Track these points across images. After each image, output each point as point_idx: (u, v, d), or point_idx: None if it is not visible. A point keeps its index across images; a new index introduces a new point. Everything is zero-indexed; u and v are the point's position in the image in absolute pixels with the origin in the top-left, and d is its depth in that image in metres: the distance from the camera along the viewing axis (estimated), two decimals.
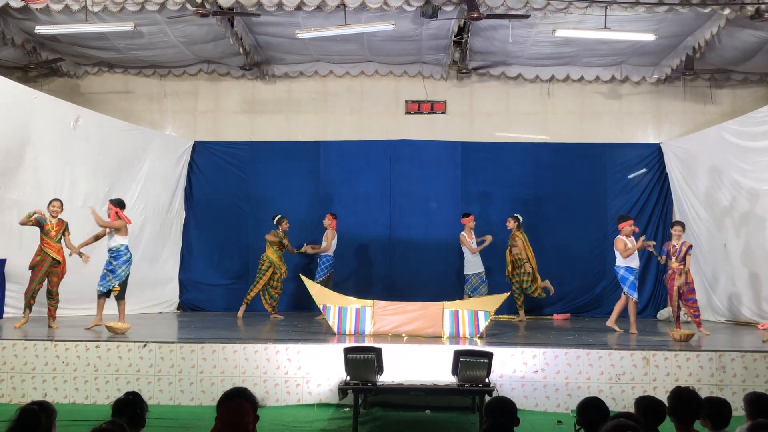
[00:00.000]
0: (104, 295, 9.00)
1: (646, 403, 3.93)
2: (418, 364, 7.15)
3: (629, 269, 9.38)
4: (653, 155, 12.99)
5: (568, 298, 12.60)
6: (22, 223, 8.91)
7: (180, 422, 6.49)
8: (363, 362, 6.36)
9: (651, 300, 12.48)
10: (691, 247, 9.42)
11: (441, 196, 13.03)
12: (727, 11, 9.66)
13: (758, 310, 10.40)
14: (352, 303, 8.69)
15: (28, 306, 8.84)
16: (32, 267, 8.85)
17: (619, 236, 9.58)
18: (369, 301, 8.74)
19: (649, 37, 10.63)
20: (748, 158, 10.59)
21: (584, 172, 12.95)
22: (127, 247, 9.03)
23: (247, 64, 12.63)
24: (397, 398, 7.12)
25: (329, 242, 11.44)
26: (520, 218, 11.39)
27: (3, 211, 9.74)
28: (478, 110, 13.35)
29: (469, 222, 11.45)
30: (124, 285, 8.98)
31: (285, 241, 11.19)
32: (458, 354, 6.55)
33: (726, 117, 12.29)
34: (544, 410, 7.12)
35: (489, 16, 9.86)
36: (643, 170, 12.98)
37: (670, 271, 9.35)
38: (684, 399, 3.93)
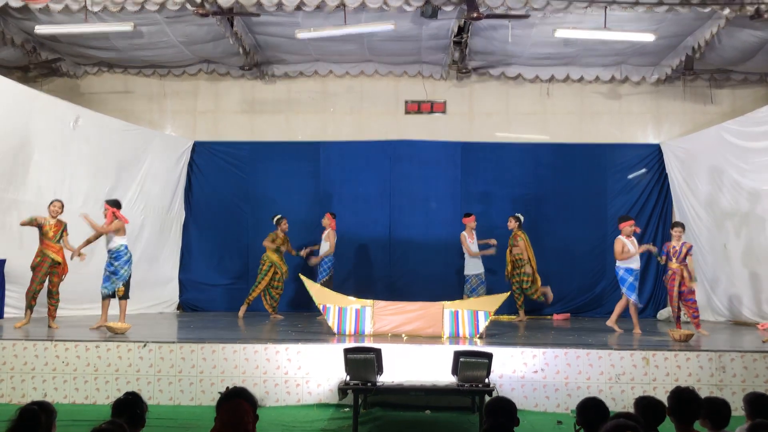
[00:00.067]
0: (109, 296, 9.01)
1: (645, 403, 3.93)
2: (418, 364, 7.15)
3: (629, 270, 9.36)
4: (653, 155, 12.99)
5: (567, 298, 12.60)
6: (23, 224, 8.91)
7: (180, 422, 6.48)
8: (363, 362, 6.36)
9: (651, 300, 12.48)
10: (691, 247, 9.43)
11: (441, 196, 13.03)
12: (726, 11, 9.66)
13: (758, 310, 10.40)
14: (352, 303, 8.69)
15: (30, 307, 8.84)
16: (33, 268, 8.85)
17: (618, 237, 9.57)
18: (369, 301, 8.74)
19: (649, 37, 10.63)
20: (748, 158, 10.59)
21: (584, 172, 12.95)
22: (126, 247, 9.04)
23: (247, 64, 12.63)
24: (396, 398, 7.11)
25: (332, 243, 11.43)
26: (521, 218, 11.38)
27: (3, 211, 9.73)
28: (477, 110, 13.35)
29: (470, 222, 11.44)
30: (127, 284, 9.00)
31: (283, 247, 11.14)
32: (458, 354, 6.55)
33: (726, 117, 12.29)
34: (544, 410, 7.12)
35: (489, 16, 9.86)
36: (643, 170, 12.98)
37: (670, 272, 9.34)
38: (684, 399, 3.93)
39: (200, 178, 13.30)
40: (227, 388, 3.88)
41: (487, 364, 6.38)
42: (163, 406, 7.03)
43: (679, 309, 9.40)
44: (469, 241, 11.36)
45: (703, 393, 5.00)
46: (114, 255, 8.94)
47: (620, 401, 7.00)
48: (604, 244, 12.46)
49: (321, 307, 8.81)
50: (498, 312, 9.25)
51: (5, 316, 9.57)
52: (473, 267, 11.34)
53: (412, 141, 13.13)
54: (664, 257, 9.42)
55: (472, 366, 6.35)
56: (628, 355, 7.26)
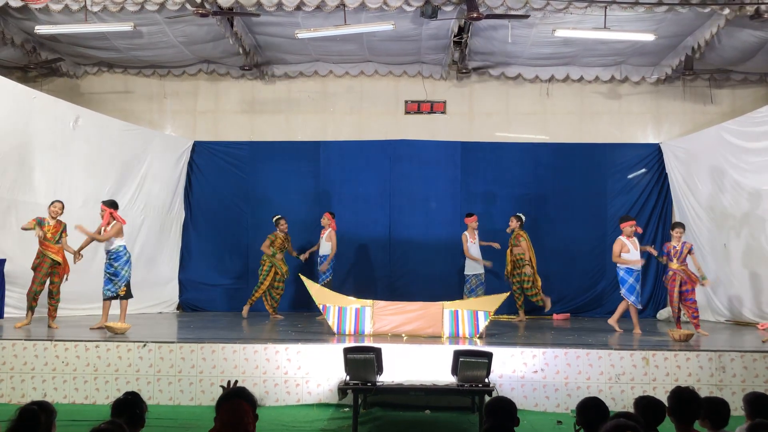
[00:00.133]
0: (112, 298, 9.00)
1: (645, 402, 3.92)
2: (417, 364, 7.15)
3: (629, 271, 9.33)
4: (653, 155, 12.99)
5: (567, 298, 12.60)
6: (24, 229, 8.88)
7: (179, 422, 6.49)
8: (363, 362, 6.36)
9: (651, 300, 12.47)
10: (692, 247, 9.43)
11: (441, 196, 13.03)
12: (726, 11, 9.67)
13: (759, 310, 10.40)
14: (352, 303, 8.69)
15: (31, 308, 8.83)
16: (33, 268, 8.85)
17: (619, 237, 9.56)
18: (369, 301, 8.74)
19: (649, 37, 10.63)
20: (747, 158, 10.59)
21: (584, 172, 12.95)
22: (125, 248, 9.04)
23: (247, 64, 12.63)
24: (396, 398, 7.12)
25: (334, 243, 11.42)
26: (523, 218, 11.36)
27: (3, 211, 9.73)
28: (477, 110, 13.35)
29: (472, 222, 11.43)
30: (128, 284, 9.00)
31: (280, 255, 11.07)
32: (458, 354, 6.55)
33: (726, 117, 12.29)
34: (544, 410, 7.12)
35: (489, 16, 9.86)
36: (643, 170, 12.99)
37: (670, 273, 9.32)
38: (684, 399, 3.93)
39: (200, 178, 13.31)
40: (228, 382, 3.89)
41: (487, 364, 6.38)
42: (162, 406, 7.03)
43: (679, 309, 9.39)
44: (471, 242, 11.35)
45: (703, 393, 5.00)
46: (113, 256, 8.94)
47: (620, 401, 7.00)
48: (603, 244, 12.45)
49: (321, 307, 8.81)
50: (498, 312, 9.25)
51: (5, 316, 9.56)
52: (473, 267, 11.33)
53: (412, 141, 13.13)
54: (664, 257, 9.41)
55: (471, 366, 6.34)
56: (628, 355, 7.26)
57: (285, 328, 9.64)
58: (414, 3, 9.87)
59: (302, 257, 11.63)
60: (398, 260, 12.95)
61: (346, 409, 6.87)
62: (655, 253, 9.74)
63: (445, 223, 12.82)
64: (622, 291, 9.38)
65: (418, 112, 13.34)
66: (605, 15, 9.87)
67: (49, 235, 8.83)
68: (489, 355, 6.45)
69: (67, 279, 9.04)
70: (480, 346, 7.45)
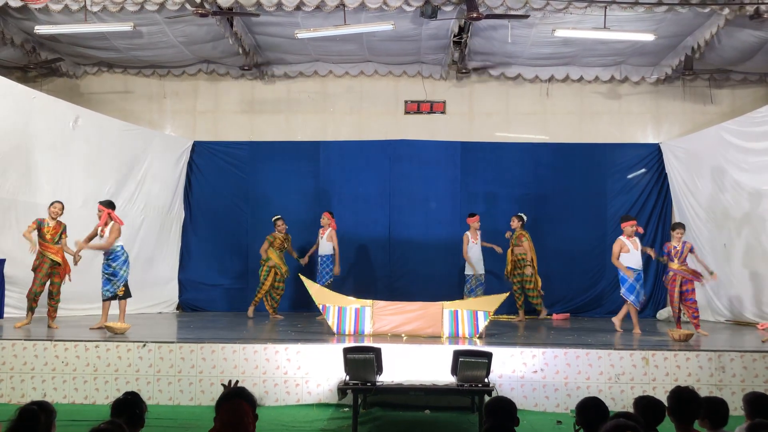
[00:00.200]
0: (110, 298, 9.00)
1: (645, 402, 3.92)
2: (417, 364, 7.15)
3: (629, 269, 9.34)
4: (652, 155, 13.00)
5: (567, 298, 12.61)
6: (25, 237, 8.86)
7: (179, 422, 6.48)
8: (362, 362, 6.36)
9: (651, 300, 12.46)
10: (692, 246, 9.43)
11: (440, 196, 13.04)
12: (726, 11, 9.67)
13: (759, 310, 10.40)
14: (352, 303, 8.69)
15: (31, 309, 8.81)
16: (33, 269, 8.84)
17: (619, 237, 9.55)
18: (368, 301, 8.73)
19: (649, 37, 10.63)
20: (747, 158, 10.59)
21: (584, 172, 12.96)
22: (122, 248, 9.04)
23: (247, 64, 12.63)
24: (396, 398, 7.12)
25: (336, 242, 11.43)
26: (524, 217, 11.35)
27: (2, 211, 9.73)
28: (477, 110, 13.35)
29: (474, 222, 11.42)
30: (126, 284, 9.00)
31: (275, 257, 11.06)
32: (458, 354, 6.55)
33: (725, 117, 12.30)
34: (544, 410, 7.12)
35: (488, 16, 9.86)
36: (643, 170, 12.99)
37: (671, 273, 9.31)
38: (684, 399, 3.93)
39: (200, 178, 13.31)
40: (229, 382, 3.89)
41: (487, 364, 6.38)
42: (162, 406, 7.03)
43: (679, 310, 9.38)
44: (472, 242, 11.35)
45: (703, 393, 5.00)
46: (111, 256, 8.93)
47: (620, 401, 7.00)
48: (603, 244, 12.45)
49: (321, 307, 8.81)
50: (498, 312, 9.25)
51: (5, 316, 9.56)
52: (474, 267, 11.33)
53: (411, 141, 13.13)
54: (665, 257, 9.41)
55: (471, 366, 6.34)
56: (628, 355, 7.26)
57: (285, 328, 9.64)
58: (414, 3, 9.87)
59: (302, 261, 11.62)
60: (398, 260, 12.95)
61: (346, 409, 6.87)
62: (654, 255, 9.73)
63: (444, 223, 12.82)
64: (622, 291, 9.37)
65: (418, 112, 13.34)
66: (605, 15, 9.88)
67: (48, 237, 8.83)
68: (489, 355, 6.45)
69: (70, 280, 9.03)
70: (480, 346, 7.45)
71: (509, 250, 11.31)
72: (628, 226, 9.45)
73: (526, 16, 9.98)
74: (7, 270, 9.60)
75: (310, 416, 6.82)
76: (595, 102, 13.27)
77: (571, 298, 12.66)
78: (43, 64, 12.43)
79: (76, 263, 8.97)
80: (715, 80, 12.92)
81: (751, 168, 10.49)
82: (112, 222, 8.97)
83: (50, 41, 11.90)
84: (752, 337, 9.04)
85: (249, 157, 13.27)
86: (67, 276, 9.00)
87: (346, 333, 8.52)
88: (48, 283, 8.89)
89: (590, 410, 3.83)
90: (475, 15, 9.64)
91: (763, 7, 9.52)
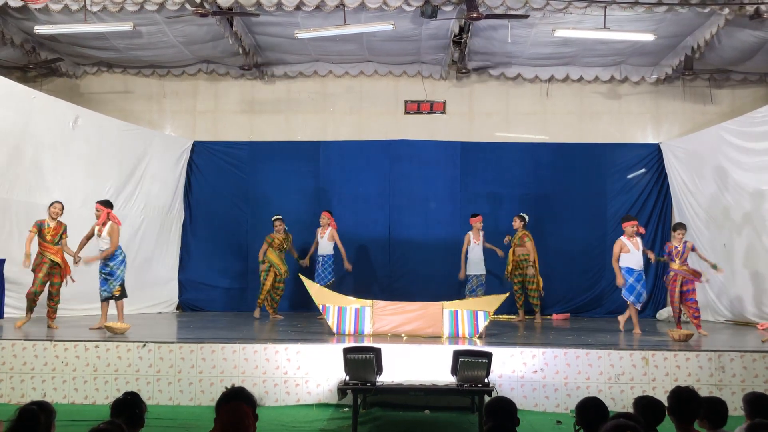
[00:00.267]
0: (109, 298, 8.99)
1: (645, 403, 3.93)
2: (417, 364, 7.15)
3: (629, 271, 9.30)
4: (652, 155, 13.00)
5: (567, 298, 12.61)
6: (26, 247, 8.83)
7: (179, 422, 6.48)
8: (362, 362, 6.36)
9: (651, 300, 12.45)
10: (693, 245, 9.44)
11: (440, 196, 13.03)
12: (726, 11, 9.67)
13: (759, 310, 10.40)
14: (352, 303, 8.69)
15: (30, 308, 8.80)
16: (33, 269, 8.82)
17: (620, 237, 9.54)
18: (368, 301, 8.73)
19: (649, 37, 10.63)
20: (747, 158, 10.59)
21: (583, 172, 12.96)
22: (120, 248, 9.03)
23: (247, 64, 12.63)
24: (396, 398, 7.11)
25: (339, 240, 11.43)
26: (526, 218, 11.33)
27: (2, 211, 9.73)
28: (477, 110, 13.35)
29: (477, 223, 11.42)
30: (122, 284, 8.99)
31: (274, 258, 11.04)
32: (457, 354, 6.55)
33: (725, 117, 12.30)
34: (544, 410, 7.12)
35: (488, 16, 9.86)
36: (643, 170, 12.99)
37: (672, 273, 9.30)
38: (684, 398, 3.93)
39: (200, 178, 13.31)
40: (226, 388, 3.88)
41: (487, 364, 6.38)
42: (162, 406, 7.03)
43: (680, 310, 9.38)
44: (474, 242, 11.35)
45: (703, 393, 5.00)
46: (109, 256, 8.92)
47: (620, 401, 7.00)
48: (603, 244, 12.46)
49: (321, 307, 8.81)
50: (498, 312, 9.25)
51: (5, 316, 9.56)
52: (474, 267, 11.33)
53: (411, 141, 13.13)
54: (665, 257, 9.41)
55: (471, 366, 6.34)
56: (628, 355, 7.26)
57: (285, 328, 9.64)
58: (414, 3, 9.87)
59: (303, 263, 11.61)
60: (398, 260, 12.95)
61: (346, 409, 6.86)
62: (653, 259, 9.71)
63: (444, 223, 12.83)
64: (622, 291, 9.37)
65: (418, 112, 13.34)
66: (605, 15, 9.88)
67: (49, 237, 8.81)
68: (489, 355, 6.45)
69: (73, 280, 9.02)
70: (480, 346, 7.44)
71: (510, 251, 11.28)
72: (629, 227, 9.43)
73: (526, 16, 9.98)
74: (7, 270, 9.60)
75: (310, 416, 6.82)
76: (595, 102, 13.27)
77: (571, 298, 12.66)
78: (43, 64, 12.43)
79: (76, 264, 8.96)
80: (715, 80, 12.92)
81: (752, 168, 10.48)
82: (110, 222, 8.96)
83: (50, 41, 11.90)
84: (752, 337, 9.05)
85: (249, 157, 13.27)
86: (68, 277, 8.99)
87: (346, 333, 8.52)
88: (48, 283, 8.87)
89: (590, 410, 3.83)
90: (475, 15, 9.64)
91: (763, 7, 9.53)
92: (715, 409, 4.03)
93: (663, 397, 4.07)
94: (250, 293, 12.64)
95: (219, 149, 13.30)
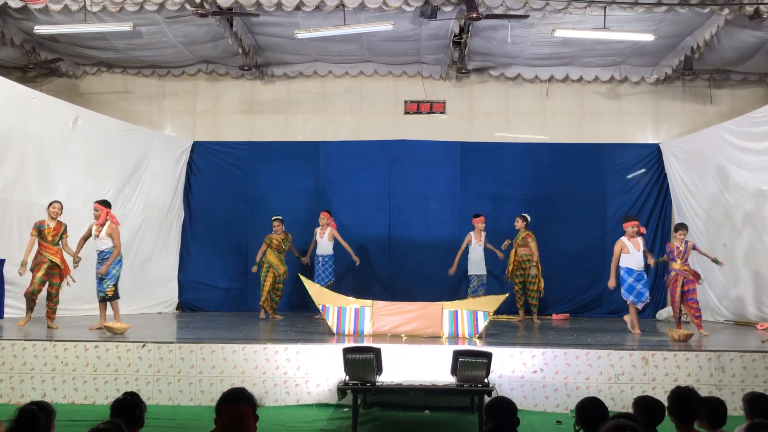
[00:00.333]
0: (102, 299, 8.98)
1: (644, 403, 3.93)
2: (417, 364, 7.14)
3: (628, 271, 9.29)
4: (652, 155, 13.00)
5: (566, 298, 12.61)
6: (30, 245, 8.83)
7: (179, 422, 6.48)
8: (362, 362, 6.35)
9: (651, 300, 12.45)
10: (695, 244, 9.44)
11: (440, 197, 13.04)
12: (726, 12, 9.67)
13: (759, 310, 10.40)
14: (351, 303, 8.68)
15: (30, 308, 8.79)
16: (31, 268, 8.82)
17: (620, 238, 9.54)
18: (368, 301, 8.73)
19: (648, 38, 10.64)
20: (747, 158, 10.60)
21: (583, 172, 12.96)
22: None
23: (246, 65, 12.63)
24: (396, 398, 7.11)
25: (341, 238, 11.43)
26: (528, 218, 11.32)
27: (2, 211, 9.73)
28: (477, 110, 13.36)
29: (479, 223, 11.42)
30: (116, 284, 8.97)
31: (273, 258, 11.04)
32: (457, 354, 6.54)
33: (725, 117, 12.30)
34: (543, 410, 7.12)
35: (488, 17, 9.86)
36: (642, 170, 12.99)
37: (673, 273, 9.29)
38: (684, 398, 3.93)
39: (199, 178, 13.31)
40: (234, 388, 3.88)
41: (487, 364, 6.38)
42: (162, 407, 7.02)
43: (680, 310, 9.38)
44: (476, 243, 11.35)
45: (703, 393, 4.99)
46: (106, 256, 8.90)
47: (619, 401, 7.00)
48: (603, 244, 12.47)
49: (320, 307, 8.81)
50: (497, 312, 9.24)
51: (5, 316, 9.56)
52: (476, 267, 11.34)
53: (411, 141, 13.13)
54: (666, 256, 9.41)
55: (471, 366, 6.34)
56: (628, 355, 7.26)
57: (284, 329, 9.64)
58: (413, 3, 9.87)
59: (304, 260, 11.61)
60: (398, 260, 12.95)
61: (346, 409, 6.86)
62: (652, 262, 9.69)
63: (444, 223, 12.83)
64: (622, 291, 9.37)
65: (418, 112, 13.34)
66: (605, 15, 9.88)
67: (49, 238, 8.80)
68: (488, 355, 6.45)
69: (74, 281, 9.00)
70: (479, 346, 7.44)
71: (512, 251, 11.25)
72: (630, 227, 9.41)
73: (525, 17, 9.98)
74: (7, 270, 9.60)
75: (309, 416, 6.82)
76: (594, 102, 13.27)
77: (571, 298, 12.66)
78: (43, 64, 12.43)
79: (76, 265, 8.95)
80: (715, 80, 12.93)
81: (752, 168, 10.49)
82: (109, 222, 8.95)
83: (50, 41, 11.90)
84: (752, 337, 9.04)
85: (249, 157, 13.27)
86: (69, 277, 8.98)
87: (346, 333, 8.52)
88: (47, 284, 8.86)
89: (590, 410, 3.83)
90: (474, 15, 9.65)
91: (762, 7, 9.53)
92: (714, 409, 4.04)
93: (663, 397, 4.07)
94: (249, 293, 12.65)
95: (219, 149, 13.30)
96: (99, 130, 11.40)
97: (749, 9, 9.58)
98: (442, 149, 13.12)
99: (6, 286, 9.66)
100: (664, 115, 13.22)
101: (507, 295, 9.43)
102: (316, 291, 9.06)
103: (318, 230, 11.58)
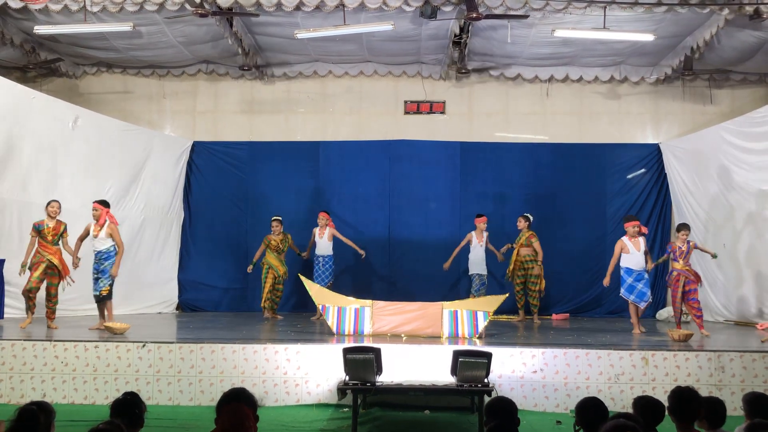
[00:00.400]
0: (98, 300, 8.98)
1: (644, 403, 3.93)
2: (417, 364, 7.15)
3: (628, 271, 9.31)
4: (652, 155, 13.00)
5: (566, 298, 12.61)
6: (31, 246, 8.82)
7: (179, 422, 6.48)
8: (362, 362, 6.35)
9: (651, 300, 12.45)
10: (696, 243, 9.45)
11: (440, 197, 13.04)
12: (725, 12, 9.67)
13: (758, 311, 10.40)
14: (351, 303, 8.68)
15: (30, 308, 8.77)
16: (29, 267, 8.80)
17: (621, 238, 9.53)
18: (368, 301, 8.73)
19: (648, 38, 10.64)
20: (747, 158, 10.60)
21: (583, 172, 12.96)
22: (115, 248, 9.01)
23: (246, 65, 12.63)
24: (396, 398, 7.11)
25: (341, 236, 11.44)
26: (531, 218, 11.30)
27: (2, 211, 9.73)
28: (477, 110, 13.36)
29: (481, 223, 11.41)
30: (111, 284, 8.97)
31: (272, 259, 11.03)
32: (457, 354, 6.55)
33: (725, 117, 12.30)
34: (543, 410, 7.12)
35: (488, 17, 9.87)
36: (642, 170, 12.99)
37: (675, 273, 9.28)
38: (684, 398, 3.93)
39: (199, 178, 13.31)
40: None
41: (486, 364, 6.38)
42: (162, 407, 7.03)
43: (681, 310, 9.37)
44: (477, 243, 11.34)
45: (703, 393, 4.98)
46: (104, 256, 8.90)
47: (619, 401, 7.00)
48: (603, 244, 12.47)
49: (320, 308, 8.81)
50: (497, 312, 9.24)
51: (5, 316, 9.56)
52: (477, 267, 11.34)
53: (411, 141, 13.13)
54: (666, 255, 9.41)
55: (471, 366, 6.34)
56: (628, 355, 7.26)
57: (284, 329, 9.63)
58: (413, 3, 9.87)
59: (304, 255, 11.61)
60: (398, 260, 12.95)
61: (346, 409, 6.87)
62: (650, 267, 9.68)
63: (444, 224, 12.83)
64: (622, 290, 9.37)
65: (418, 112, 13.34)
66: (604, 15, 9.88)
67: (49, 238, 8.79)
68: (488, 355, 6.45)
69: (74, 281, 8.99)
70: (479, 346, 7.44)
71: (515, 251, 11.24)
72: (631, 227, 9.41)
73: (525, 17, 9.98)
74: (7, 270, 9.59)
75: (309, 416, 6.82)
76: (594, 102, 13.27)
77: (571, 298, 12.66)
78: (43, 65, 12.43)
79: (75, 266, 8.94)
80: (715, 80, 12.93)
81: (752, 168, 10.49)
82: (108, 222, 8.94)
83: (50, 41, 11.90)
84: (752, 337, 9.04)
85: (248, 157, 13.27)
86: (68, 278, 8.97)
87: (346, 333, 8.51)
88: (46, 284, 8.85)
89: (590, 410, 3.83)
90: (474, 15, 9.65)
91: (762, 7, 9.53)
92: (714, 409, 4.04)
93: (663, 397, 4.07)
94: (249, 293, 12.66)
95: (219, 149, 13.30)
96: (99, 130, 11.40)
97: (749, 9, 9.58)
98: (442, 149, 13.12)
99: (6, 287, 9.66)
100: (664, 115, 13.22)
101: (507, 295, 9.43)
102: (316, 291, 9.06)
103: (317, 230, 11.56)
